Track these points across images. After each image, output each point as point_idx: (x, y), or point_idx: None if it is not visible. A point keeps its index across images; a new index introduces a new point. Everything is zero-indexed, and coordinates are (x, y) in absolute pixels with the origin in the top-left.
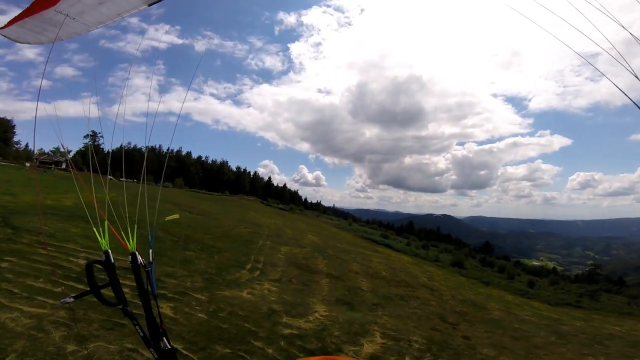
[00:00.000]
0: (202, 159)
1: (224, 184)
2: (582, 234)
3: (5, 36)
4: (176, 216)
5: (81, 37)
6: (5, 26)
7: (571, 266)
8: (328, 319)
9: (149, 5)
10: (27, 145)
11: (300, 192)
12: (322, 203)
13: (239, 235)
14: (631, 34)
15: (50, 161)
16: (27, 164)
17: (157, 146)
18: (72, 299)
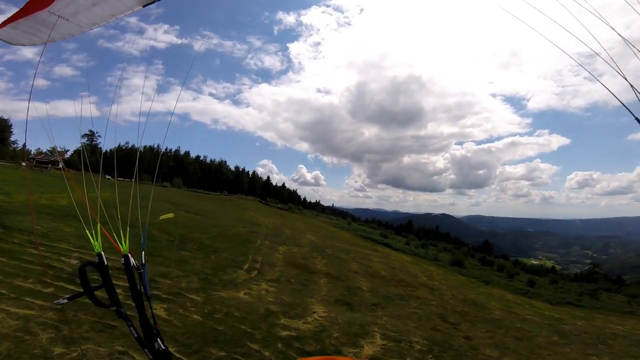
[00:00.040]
0: (201, 158)
1: (223, 184)
2: (580, 233)
3: None
4: (170, 215)
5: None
6: None
7: (569, 265)
8: (327, 319)
9: (143, 6)
10: (24, 145)
11: (299, 192)
12: (321, 202)
13: (236, 235)
14: (621, 36)
15: (47, 161)
16: (24, 164)
17: (155, 145)
18: (65, 300)
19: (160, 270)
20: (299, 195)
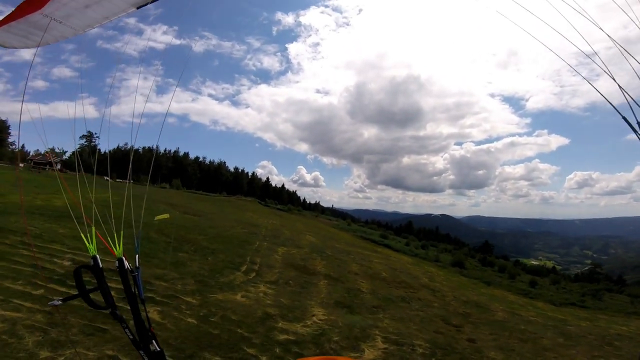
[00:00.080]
0: (200, 159)
1: (222, 185)
2: (580, 233)
3: None
4: (166, 216)
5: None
6: None
7: (569, 265)
8: (326, 323)
9: (137, 8)
10: (23, 147)
11: (298, 193)
12: (321, 203)
13: (234, 236)
14: (612, 40)
15: (44, 162)
16: (21, 165)
17: (155, 146)
18: (59, 302)
19: (156, 272)
20: (299, 196)
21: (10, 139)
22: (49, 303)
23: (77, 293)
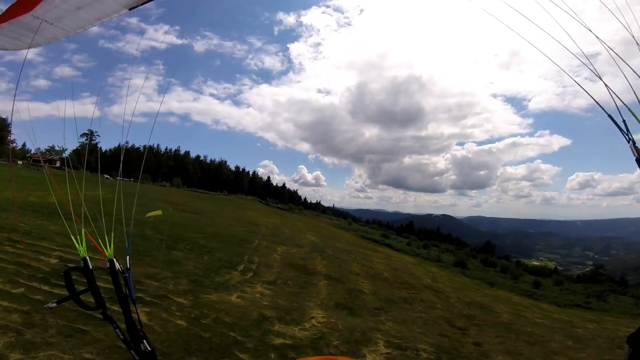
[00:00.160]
0: (201, 158)
1: (223, 184)
2: (582, 234)
3: None
4: (158, 212)
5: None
6: None
7: (571, 266)
8: (326, 325)
9: (130, 9)
10: (24, 145)
11: (299, 192)
12: (322, 203)
13: (233, 235)
14: (605, 44)
15: (43, 159)
16: (20, 162)
17: (156, 145)
18: (54, 304)
19: (148, 271)
20: (300, 196)
21: (11, 137)
22: (44, 306)
23: (68, 295)
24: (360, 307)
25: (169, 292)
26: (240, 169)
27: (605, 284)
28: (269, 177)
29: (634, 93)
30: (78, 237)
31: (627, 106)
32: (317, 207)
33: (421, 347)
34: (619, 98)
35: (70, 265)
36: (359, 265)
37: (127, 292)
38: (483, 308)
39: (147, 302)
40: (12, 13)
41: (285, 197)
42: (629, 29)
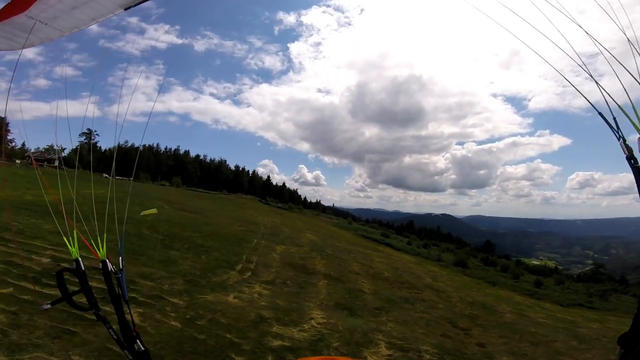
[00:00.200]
0: (200, 157)
1: (222, 183)
2: (582, 233)
3: None
4: (154, 211)
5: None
6: None
7: (571, 265)
8: (326, 326)
9: (126, 9)
10: (23, 144)
11: (299, 192)
12: (322, 202)
13: (231, 234)
14: (596, 43)
15: (42, 158)
16: (18, 161)
17: (155, 145)
18: (49, 306)
19: (143, 270)
20: (300, 195)
21: (10, 136)
22: (40, 307)
23: (61, 297)
24: (361, 307)
25: (163, 292)
26: (240, 169)
27: (606, 283)
28: (268, 177)
29: (627, 94)
30: (70, 238)
31: (618, 104)
32: (317, 207)
33: (424, 348)
34: (610, 97)
35: (63, 264)
36: (359, 264)
37: (120, 292)
38: (485, 308)
39: (141, 303)
40: (6, 13)
41: (285, 197)
42: (623, 31)
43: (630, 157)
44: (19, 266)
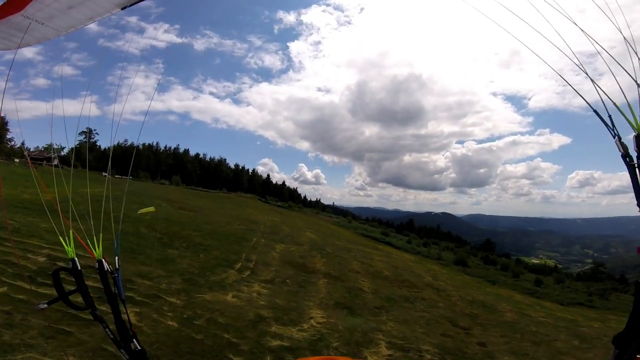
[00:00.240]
0: (200, 156)
1: (222, 182)
2: (581, 232)
3: None
4: (151, 209)
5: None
6: None
7: (570, 264)
8: (325, 326)
9: (122, 8)
10: (23, 143)
11: (299, 190)
12: (322, 201)
13: (231, 233)
14: (593, 43)
15: (41, 157)
16: (17, 160)
17: (155, 143)
18: (45, 305)
19: (140, 269)
20: (299, 194)
21: (9, 135)
22: (36, 307)
23: (58, 296)
24: (361, 306)
25: (161, 292)
26: (240, 167)
27: (606, 282)
28: (268, 175)
29: (622, 93)
30: (67, 237)
31: (613, 102)
32: (316, 205)
33: (424, 347)
34: (606, 95)
35: (59, 263)
36: (359, 263)
37: (117, 292)
38: (486, 307)
39: (138, 302)
40: (1, 13)
41: (285, 195)
42: (620, 30)
43: (626, 155)
44: (14, 265)
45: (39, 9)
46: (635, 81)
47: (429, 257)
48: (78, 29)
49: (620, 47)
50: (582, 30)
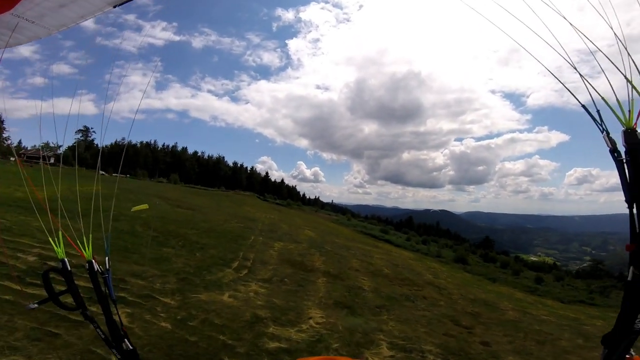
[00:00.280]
0: (198, 154)
1: (220, 180)
2: (580, 229)
3: None
4: (145, 206)
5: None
6: None
7: (569, 261)
8: (325, 326)
9: (114, 7)
10: (20, 142)
11: (298, 188)
12: (321, 199)
13: (228, 231)
14: (587, 42)
15: (37, 156)
16: (12, 159)
17: (153, 142)
18: (36, 305)
19: (134, 268)
20: (298, 191)
21: (5, 134)
22: (26, 307)
23: (48, 297)
24: (361, 305)
25: (154, 292)
26: (239, 165)
27: (605, 280)
28: (267, 173)
29: (612, 90)
30: (56, 238)
31: (602, 97)
32: (315, 203)
33: (427, 348)
34: (595, 91)
35: (50, 263)
36: (358, 261)
37: (107, 292)
38: (487, 305)
39: (130, 303)
40: None
41: (284, 193)
42: (611, 26)
43: (614, 150)
44: (3, 264)
45: (29, 7)
46: (625, 77)
47: (429, 255)
48: (70, 27)
49: (618, 46)
50: (575, 28)
